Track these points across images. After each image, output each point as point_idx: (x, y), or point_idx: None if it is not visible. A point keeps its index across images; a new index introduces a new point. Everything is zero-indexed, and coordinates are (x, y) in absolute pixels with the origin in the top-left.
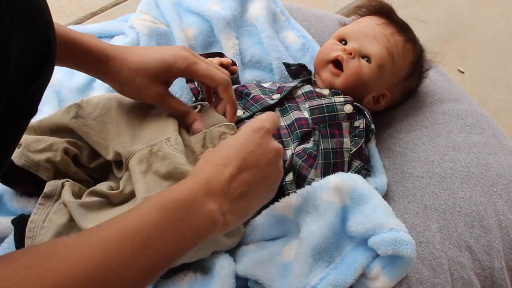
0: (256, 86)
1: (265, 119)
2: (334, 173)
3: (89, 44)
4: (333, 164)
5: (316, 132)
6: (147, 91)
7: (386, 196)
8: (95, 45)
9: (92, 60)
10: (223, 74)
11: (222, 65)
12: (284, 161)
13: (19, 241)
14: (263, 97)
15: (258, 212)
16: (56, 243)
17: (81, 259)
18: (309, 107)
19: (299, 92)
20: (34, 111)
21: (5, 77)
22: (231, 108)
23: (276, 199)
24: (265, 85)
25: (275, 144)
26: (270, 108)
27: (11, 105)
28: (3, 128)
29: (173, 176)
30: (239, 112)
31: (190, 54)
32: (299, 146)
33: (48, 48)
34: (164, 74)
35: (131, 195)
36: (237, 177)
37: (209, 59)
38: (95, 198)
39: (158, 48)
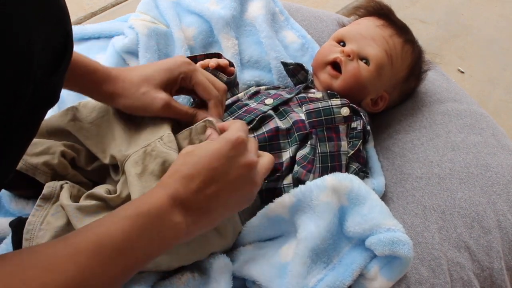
0: (248, 98)
1: (240, 128)
2: None
3: (92, 65)
4: (330, 167)
5: (313, 135)
6: (154, 99)
7: (385, 197)
8: (97, 66)
9: (96, 80)
10: (216, 91)
11: (219, 66)
12: (281, 163)
13: (17, 244)
14: (256, 107)
15: (253, 214)
16: (37, 251)
17: (57, 268)
18: (305, 110)
19: (293, 98)
20: (56, 99)
21: (32, 65)
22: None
23: (270, 200)
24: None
25: (248, 157)
26: (265, 115)
27: (36, 93)
28: (28, 113)
29: None
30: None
31: (191, 62)
32: (299, 153)
33: (66, 41)
34: (168, 80)
35: (128, 199)
36: (203, 190)
37: (207, 73)
38: (93, 202)
39: (158, 61)
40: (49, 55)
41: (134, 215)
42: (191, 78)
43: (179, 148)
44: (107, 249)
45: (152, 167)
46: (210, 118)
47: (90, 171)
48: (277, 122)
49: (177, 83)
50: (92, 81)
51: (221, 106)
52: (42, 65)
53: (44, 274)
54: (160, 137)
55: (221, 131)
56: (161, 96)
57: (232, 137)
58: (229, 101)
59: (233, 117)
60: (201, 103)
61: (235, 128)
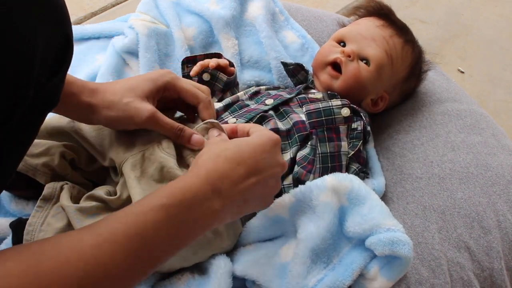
0: (249, 98)
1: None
2: None
3: (68, 78)
4: (331, 168)
5: (314, 136)
6: (139, 110)
7: (385, 197)
8: (73, 79)
9: (75, 91)
10: (203, 94)
11: (219, 66)
12: None
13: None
14: (257, 107)
15: (253, 214)
16: (58, 242)
17: (75, 262)
18: (306, 111)
19: (293, 98)
20: (56, 101)
21: (34, 68)
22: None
23: None
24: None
25: (283, 159)
26: (265, 114)
27: (37, 93)
28: (30, 114)
29: (165, 180)
30: (231, 120)
31: (172, 72)
32: (299, 154)
33: (67, 42)
34: (151, 91)
35: (129, 200)
36: (246, 179)
37: (187, 79)
38: (93, 203)
39: (141, 74)
40: (50, 55)
41: (170, 204)
42: (175, 86)
43: (179, 155)
44: (135, 242)
45: (151, 171)
46: (212, 120)
47: (90, 172)
48: (277, 123)
49: (160, 93)
50: (69, 92)
51: (210, 107)
52: (43, 66)
53: (59, 268)
54: (159, 142)
55: (232, 132)
56: (147, 106)
57: (273, 136)
58: (229, 100)
59: (233, 116)
60: (190, 114)
61: (267, 130)
